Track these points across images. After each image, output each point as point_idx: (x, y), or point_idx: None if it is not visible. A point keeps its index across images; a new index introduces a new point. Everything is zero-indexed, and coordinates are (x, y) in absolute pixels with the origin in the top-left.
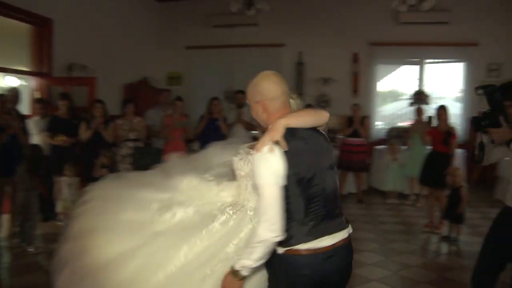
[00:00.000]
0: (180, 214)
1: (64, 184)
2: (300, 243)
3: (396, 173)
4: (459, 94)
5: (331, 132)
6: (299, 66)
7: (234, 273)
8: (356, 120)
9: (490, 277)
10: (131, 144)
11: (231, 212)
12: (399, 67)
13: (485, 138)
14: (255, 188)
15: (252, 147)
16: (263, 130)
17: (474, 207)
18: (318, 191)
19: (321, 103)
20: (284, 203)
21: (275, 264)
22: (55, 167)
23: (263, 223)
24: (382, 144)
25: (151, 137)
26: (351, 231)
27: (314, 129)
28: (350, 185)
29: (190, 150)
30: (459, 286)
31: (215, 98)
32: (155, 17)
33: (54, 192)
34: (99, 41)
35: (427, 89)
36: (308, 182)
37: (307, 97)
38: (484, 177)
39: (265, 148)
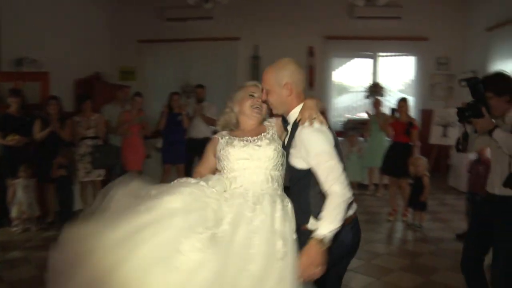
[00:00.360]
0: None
1: (19, 186)
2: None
3: (355, 164)
4: (410, 87)
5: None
6: (255, 59)
7: (320, 242)
8: None
9: (478, 262)
10: (89, 142)
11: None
12: (353, 60)
13: (468, 128)
14: (309, 157)
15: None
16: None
17: (431, 194)
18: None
19: None
20: None
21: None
22: (8, 169)
23: (339, 184)
24: (338, 136)
25: (108, 133)
26: None
27: None
28: None
29: (153, 148)
30: (432, 271)
31: (175, 93)
32: (107, 10)
33: (7, 196)
34: (48, 35)
35: (380, 81)
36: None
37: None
38: (437, 166)
39: (316, 123)
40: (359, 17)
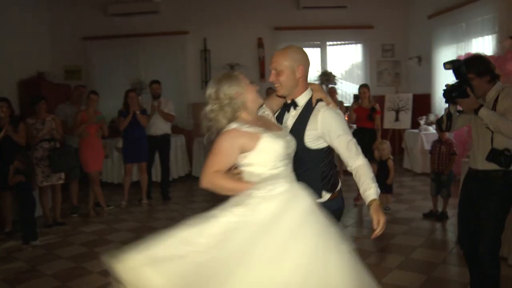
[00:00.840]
0: None
1: None
2: (339, 187)
3: None
4: (358, 74)
5: None
6: (205, 53)
7: (378, 201)
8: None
9: (475, 236)
10: (46, 145)
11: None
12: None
13: (452, 108)
14: (331, 136)
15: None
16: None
17: None
18: None
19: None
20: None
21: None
22: None
23: (362, 156)
24: None
25: (65, 135)
26: None
27: None
28: None
29: (114, 148)
30: (410, 250)
31: (130, 91)
32: (47, 8)
33: None
34: None
35: (329, 70)
36: None
37: None
38: (392, 149)
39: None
40: (306, 7)
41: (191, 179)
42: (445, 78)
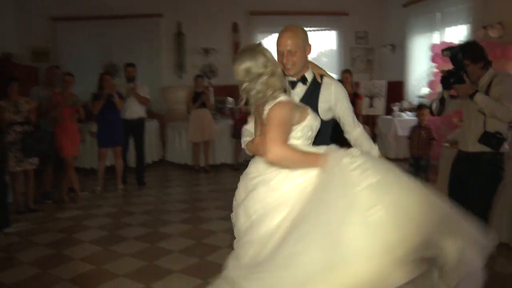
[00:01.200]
0: None
1: None
2: None
3: None
4: (333, 60)
5: (220, 102)
6: (179, 37)
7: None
8: None
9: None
10: (19, 128)
11: None
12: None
13: (445, 94)
14: (341, 107)
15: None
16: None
17: None
18: None
19: (209, 73)
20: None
21: None
22: None
23: (360, 125)
24: None
25: (39, 118)
26: None
27: None
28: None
29: (88, 132)
30: None
31: (105, 73)
32: None
33: None
34: None
35: None
36: None
37: (192, 68)
38: None
39: None
40: None
41: (165, 164)
42: (419, 66)
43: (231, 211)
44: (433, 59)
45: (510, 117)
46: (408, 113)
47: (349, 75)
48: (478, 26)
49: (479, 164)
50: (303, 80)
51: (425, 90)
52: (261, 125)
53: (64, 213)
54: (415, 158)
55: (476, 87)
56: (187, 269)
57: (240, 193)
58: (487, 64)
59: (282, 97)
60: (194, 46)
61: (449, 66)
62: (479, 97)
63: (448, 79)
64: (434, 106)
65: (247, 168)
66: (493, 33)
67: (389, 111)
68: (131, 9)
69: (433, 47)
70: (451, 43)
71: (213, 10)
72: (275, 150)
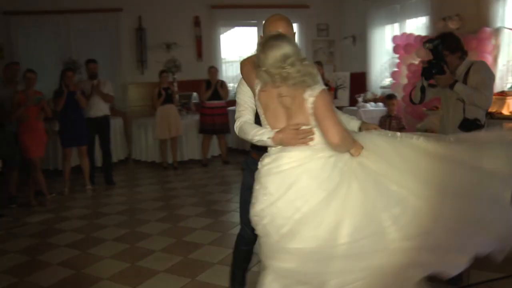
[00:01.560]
0: None
1: None
2: None
3: None
4: None
5: (185, 98)
6: (140, 31)
7: None
8: (214, 82)
9: None
10: None
11: None
12: (238, 29)
13: (425, 83)
14: None
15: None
16: None
17: None
18: None
19: (173, 68)
20: None
21: None
22: None
23: None
24: (232, 105)
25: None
26: None
27: None
28: (213, 148)
29: (51, 131)
30: None
31: (68, 70)
32: None
33: None
34: None
35: None
36: None
37: (155, 63)
38: None
39: None
40: None
41: (131, 162)
42: (380, 57)
43: (208, 208)
44: (395, 50)
45: (488, 105)
46: (372, 103)
47: (320, 67)
48: (437, 17)
49: None
50: None
51: (388, 81)
52: (289, 113)
53: (33, 217)
54: None
55: (454, 76)
56: (172, 269)
57: (271, 188)
58: (463, 54)
59: (319, 85)
60: (155, 40)
61: (411, 58)
62: (459, 87)
63: (429, 70)
64: (413, 95)
65: (270, 161)
66: (452, 25)
67: (353, 102)
68: (89, 3)
69: (395, 38)
70: (412, 34)
71: (174, 3)
72: (339, 133)
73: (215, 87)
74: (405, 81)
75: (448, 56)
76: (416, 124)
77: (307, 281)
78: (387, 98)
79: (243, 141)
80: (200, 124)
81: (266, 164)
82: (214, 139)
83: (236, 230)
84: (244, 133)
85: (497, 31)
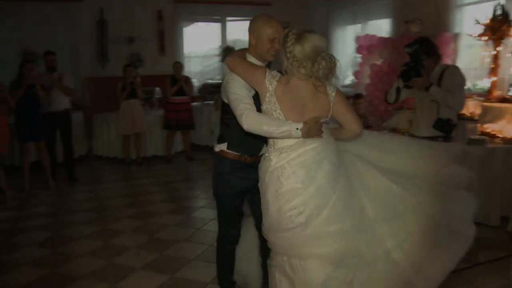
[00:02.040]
0: None
1: None
2: None
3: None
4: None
5: (148, 93)
6: (101, 24)
7: None
8: (180, 78)
9: None
10: None
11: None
12: (203, 24)
13: (401, 84)
14: None
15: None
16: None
17: None
18: None
19: (136, 62)
20: None
21: None
22: None
23: None
24: (197, 101)
25: None
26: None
27: None
28: (176, 144)
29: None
30: None
31: (27, 61)
32: None
33: None
34: None
35: (228, 45)
36: None
37: (116, 57)
38: None
39: None
40: None
41: (92, 158)
42: (342, 57)
43: (177, 204)
44: (358, 50)
45: (461, 107)
46: None
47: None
48: (399, 20)
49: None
50: (268, 65)
51: (350, 80)
52: (304, 106)
53: None
54: None
55: (429, 78)
56: (150, 265)
57: (307, 179)
58: (438, 58)
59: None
60: (117, 34)
61: (374, 58)
62: (434, 90)
63: (408, 73)
64: (388, 95)
65: (297, 155)
66: (414, 28)
67: None
68: None
69: (358, 39)
70: (375, 35)
71: None
72: (360, 122)
73: (180, 83)
74: (367, 80)
75: (425, 59)
76: (379, 122)
77: (360, 255)
78: (355, 98)
79: (207, 138)
80: (165, 119)
81: (295, 158)
82: (178, 135)
83: (209, 226)
84: (261, 125)
85: (455, 36)
